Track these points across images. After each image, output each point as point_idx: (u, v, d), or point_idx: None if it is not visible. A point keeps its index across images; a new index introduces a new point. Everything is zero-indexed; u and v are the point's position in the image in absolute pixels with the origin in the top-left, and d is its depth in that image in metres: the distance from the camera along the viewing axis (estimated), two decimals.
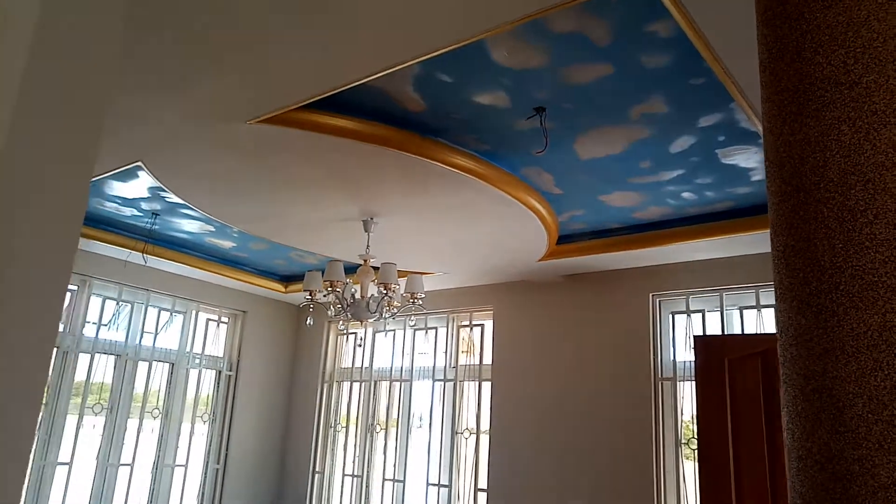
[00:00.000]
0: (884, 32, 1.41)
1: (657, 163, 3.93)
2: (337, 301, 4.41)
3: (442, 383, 6.65)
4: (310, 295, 4.49)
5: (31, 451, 1.29)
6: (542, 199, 4.55)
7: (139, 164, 3.99)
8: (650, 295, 5.49)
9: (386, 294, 4.30)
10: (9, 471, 1.26)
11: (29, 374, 1.32)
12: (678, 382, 5.27)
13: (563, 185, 4.37)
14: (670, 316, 5.49)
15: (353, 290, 4.50)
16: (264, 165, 3.95)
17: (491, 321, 6.47)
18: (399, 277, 4.56)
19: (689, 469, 5.11)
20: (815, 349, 1.36)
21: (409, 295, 4.53)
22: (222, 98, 3.15)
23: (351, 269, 5.25)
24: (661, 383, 5.31)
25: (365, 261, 4.57)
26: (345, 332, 7.51)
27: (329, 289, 4.30)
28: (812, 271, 1.39)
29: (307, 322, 4.54)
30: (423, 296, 4.54)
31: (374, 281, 4.48)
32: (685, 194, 4.37)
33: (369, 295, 4.48)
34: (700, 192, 4.33)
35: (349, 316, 4.45)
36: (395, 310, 4.54)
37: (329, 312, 4.50)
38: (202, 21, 2.58)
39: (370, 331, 7.34)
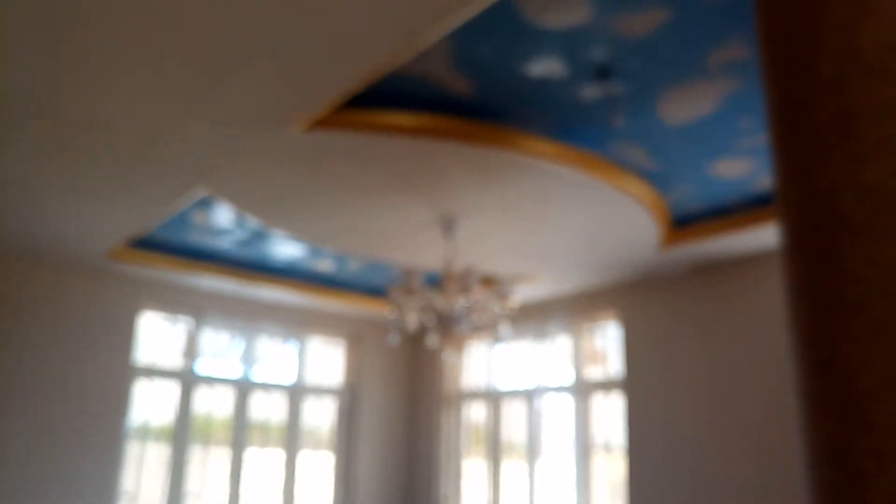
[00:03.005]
0: None
1: (760, 119, 3.50)
2: (420, 314, 4.33)
3: (569, 397, 6.37)
4: (394, 310, 4.45)
5: None
6: (639, 178, 4.21)
7: (205, 187, 4.17)
8: None
9: (471, 302, 4.16)
10: None
11: None
12: None
13: (659, 159, 4.02)
14: None
15: (438, 300, 4.39)
16: (322, 175, 3.98)
17: (615, 325, 6.10)
18: (497, 285, 4.42)
19: None
20: (815, 305, 1.06)
21: (499, 302, 4.36)
22: (254, 106, 3.19)
23: (437, 279, 5.16)
24: None
25: (448, 268, 4.47)
26: (441, 348, 7.43)
27: (409, 301, 4.22)
28: (807, 202, 1.09)
29: (390, 339, 4.49)
30: (515, 302, 4.35)
31: (459, 290, 4.35)
32: None
33: (457, 305, 4.36)
34: None
35: (437, 329, 4.35)
36: (487, 319, 4.39)
37: (412, 326, 4.42)
38: (213, 28, 2.62)
39: (488, 346, 7.21)
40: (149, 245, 5.67)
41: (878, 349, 0.95)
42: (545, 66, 3.11)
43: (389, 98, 3.41)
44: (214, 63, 2.82)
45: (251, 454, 6.75)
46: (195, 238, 5.53)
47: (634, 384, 5.81)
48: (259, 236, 5.46)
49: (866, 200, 0.99)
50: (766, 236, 4.76)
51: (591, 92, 3.31)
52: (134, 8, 2.48)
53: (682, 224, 4.92)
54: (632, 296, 5.99)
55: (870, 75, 1.02)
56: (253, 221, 5.05)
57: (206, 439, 6.53)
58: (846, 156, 1.04)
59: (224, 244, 5.68)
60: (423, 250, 5.15)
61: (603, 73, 3.15)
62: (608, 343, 6.28)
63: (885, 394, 0.93)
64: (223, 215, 4.99)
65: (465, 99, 3.42)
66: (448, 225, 4.56)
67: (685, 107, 3.42)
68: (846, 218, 1.02)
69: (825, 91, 1.08)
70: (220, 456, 6.60)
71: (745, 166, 4.04)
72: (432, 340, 4.61)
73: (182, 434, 6.35)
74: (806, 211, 1.10)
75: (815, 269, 1.06)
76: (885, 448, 0.91)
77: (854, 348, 0.97)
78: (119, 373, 6.04)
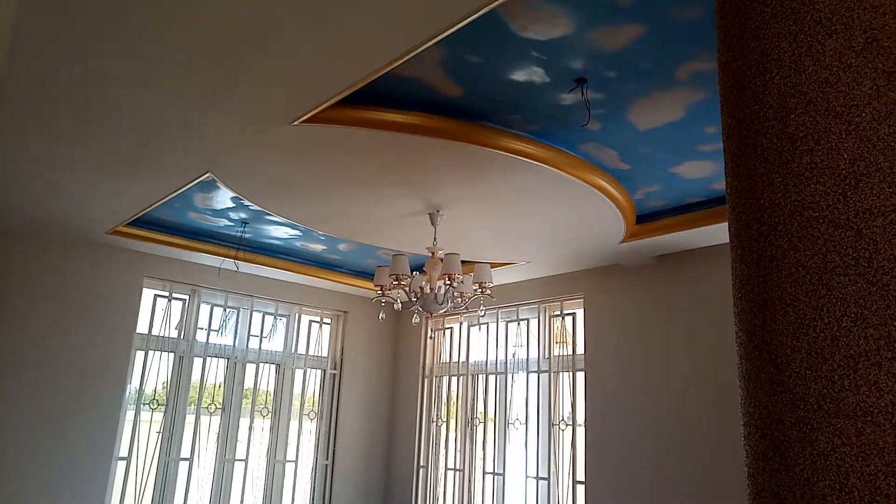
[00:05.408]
0: None
1: None
2: (405, 295, 4.44)
3: (537, 375, 6.52)
4: (380, 290, 4.55)
5: None
6: (609, 176, 4.33)
7: (210, 174, 4.22)
8: None
9: (451, 285, 4.27)
10: None
11: None
12: None
13: (629, 160, 4.14)
14: None
15: (421, 283, 4.50)
16: (318, 165, 4.05)
17: (580, 309, 6.26)
18: (476, 270, 4.53)
19: None
20: (755, 300, 1.18)
21: (477, 285, 4.47)
22: (258, 102, 3.25)
23: (421, 262, 5.26)
24: None
25: (432, 254, 4.57)
26: (428, 324, 7.54)
27: (395, 282, 4.33)
28: (753, 213, 1.21)
29: (380, 317, 4.60)
30: (491, 285, 4.47)
31: (441, 273, 4.46)
32: None
33: (438, 287, 4.47)
34: None
35: (419, 309, 4.47)
36: (466, 301, 4.51)
37: (396, 306, 4.54)
38: (218, 30, 2.67)
39: (465, 325, 7.34)
40: (150, 223, 5.69)
41: (804, 339, 1.07)
42: (528, 73, 3.21)
43: (384, 97, 3.47)
44: (226, 62, 2.87)
45: (242, 421, 6.83)
46: (190, 216, 5.56)
47: (594, 363, 5.98)
48: (254, 217, 5.51)
49: (800, 214, 1.10)
50: (721, 231, 4.91)
51: (568, 99, 3.41)
52: (154, 6, 2.53)
53: (647, 219, 5.06)
54: (596, 282, 6.14)
55: (809, 107, 1.13)
56: (249, 204, 5.10)
57: (199, 407, 6.59)
58: (785, 176, 1.15)
59: (218, 223, 5.71)
60: (409, 236, 5.24)
61: (581, 81, 3.25)
62: (573, 324, 6.43)
63: (809, 375, 1.05)
64: (223, 198, 5.04)
65: (454, 100, 3.50)
66: (433, 214, 4.65)
67: (655, 113, 3.53)
68: (783, 228, 1.13)
69: (770, 120, 1.19)
70: (212, 423, 6.67)
71: (707, 168, 4.18)
72: (415, 318, 4.72)
73: (176, 403, 6.41)
74: (750, 220, 1.21)
75: (756, 270, 1.17)
76: (808, 420, 1.04)
77: (785, 337, 1.09)
78: (119, 343, 6.07)
